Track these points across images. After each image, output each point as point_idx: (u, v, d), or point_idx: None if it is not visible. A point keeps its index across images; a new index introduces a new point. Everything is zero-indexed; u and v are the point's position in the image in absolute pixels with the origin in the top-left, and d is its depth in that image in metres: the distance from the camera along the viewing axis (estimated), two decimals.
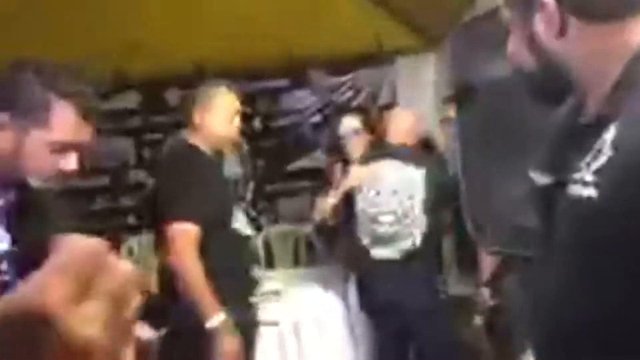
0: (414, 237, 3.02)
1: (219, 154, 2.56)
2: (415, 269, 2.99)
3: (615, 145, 0.80)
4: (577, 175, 0.84)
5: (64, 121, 1.30)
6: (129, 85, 5.29)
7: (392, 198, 3.05)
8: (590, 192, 0.80)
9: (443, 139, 3.69)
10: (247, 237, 2.50)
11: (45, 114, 1.28)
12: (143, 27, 4.28)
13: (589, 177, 0.81)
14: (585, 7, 0.88)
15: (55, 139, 1.29)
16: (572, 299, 0.85)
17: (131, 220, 5.50)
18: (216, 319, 2.16)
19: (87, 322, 0.36)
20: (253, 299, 2.49)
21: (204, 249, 2.21)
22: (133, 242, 4.95)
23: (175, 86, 5.41)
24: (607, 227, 0.79)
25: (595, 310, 0.82)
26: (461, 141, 1.89)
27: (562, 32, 0.89)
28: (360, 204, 3.12)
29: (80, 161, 1.36)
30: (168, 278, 2.24)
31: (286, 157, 5.36)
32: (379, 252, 3.02)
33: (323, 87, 5.37)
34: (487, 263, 2.56)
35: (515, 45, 0.99)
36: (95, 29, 4.17)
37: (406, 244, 3.00)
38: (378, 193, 3.09)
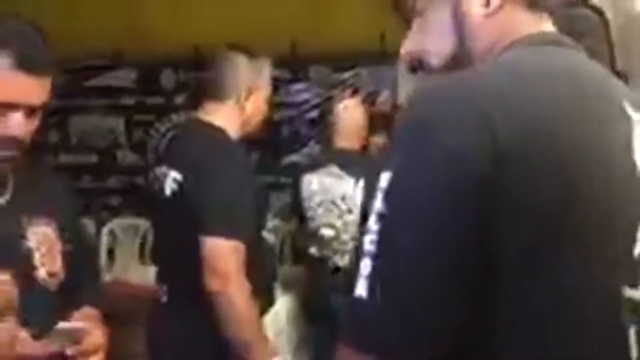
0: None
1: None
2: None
3: None
4: None
5: (6, 79, 1.13)
6: (126, 63, 5.19)
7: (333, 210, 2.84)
8: None
9: None
10: (272, 247, 2.14)
11: None
12: (145, 7, 4.19)
13: None
14: None
15: None
16: None
17: (115, 201, 5.38)
18: None
19: None
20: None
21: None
22: (115, 224, 4.83)
23: (170, 68, 5.29)
24: None
25: None
26: None
27: (496, 11, 0.82)
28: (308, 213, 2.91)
29: (37, 127, 1.19)
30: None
31: (280, 151, 5.25)
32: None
33: (323, 82, 5.26)
34: None
35: (429, 28, 0.88)
36: (98, 6, 4.08)
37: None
38: (319, 204, 2.87)
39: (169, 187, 1.84)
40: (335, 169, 2.88)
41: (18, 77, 1.14)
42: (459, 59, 0.85)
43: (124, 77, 5.35)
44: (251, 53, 1.96)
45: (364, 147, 3.06)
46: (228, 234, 1.72)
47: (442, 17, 0.86)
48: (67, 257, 1.26)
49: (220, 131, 1.87)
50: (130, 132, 5.44)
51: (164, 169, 1.89)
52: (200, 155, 1.83)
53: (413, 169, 0.69)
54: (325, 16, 4.29)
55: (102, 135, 5.43)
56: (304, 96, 5.28)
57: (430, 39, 0.88)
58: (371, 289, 0.67)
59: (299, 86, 5.21)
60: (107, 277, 3.73)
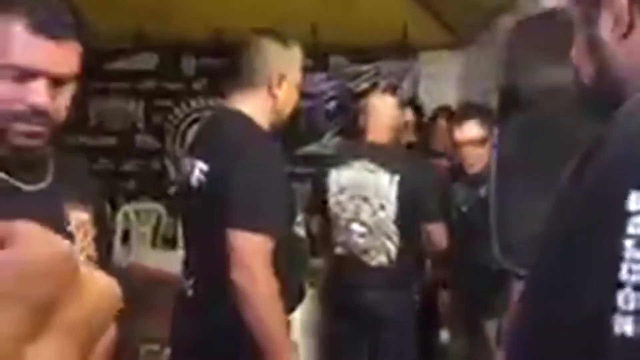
0: (389, 251, 2.75)
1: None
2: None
3: None
4: None
5: (23, 42, 1.05)
6: (148, 46, 5.19)
7: (363, 205, 2.77)
8: None
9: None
10: (302, 242, 1.96)
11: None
12: None
13: None
14: None
15: (13, 62, 1.05)
16: None
17: (131, 185, 5.40)
18: None
19: None
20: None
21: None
22: (130, 208, 4.85)
23: (191, 54, 5.29)
24: None
25: None
26: (499, 153, 1.71)
27: (628, 32, 0.79)
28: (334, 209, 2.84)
29: (71, 104, 1.12)
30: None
31: (296, 141, 5.23)
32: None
33: (342, 73, 5.23)
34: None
35: (576, 50, 0.87)
36: None
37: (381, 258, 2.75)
38: (350, 199, 2.79)
39: (195, 178, 1.78)
40: (368, 163, 2.81)
41: (35, 41, 1.06)
42: (605, 84, 0.84)
43: (145, 61, 5.36)
44: (281, 39, 1.85)
45: (396, 143, 2.99)
46: (255, 227, 1.65)
47: (580, 38, 0.86)
48: (96, 242, 1.25)
49: (249, 120, 1.78)
50: (149, 116, 5.45)
51: (191, 159, 1.82)
52: (227, 145, 1.75)
53: None
54: (347, 6, 4.25)
55: (120, 119, 5.45)
56: (323, 87, 5.26)
57: (577, 56, 0.88)
58: (638, 324, 0.61)
59: (319, 76, 5.19)
60: (121, 261, 3.75)
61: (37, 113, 1.07)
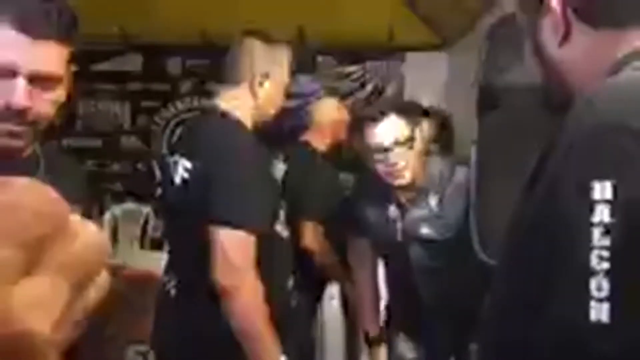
0: None
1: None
2: None
3: None
4: None
5: (4, 41, 1.02)
6: (133, 47, 5.17)
7: None
8: None
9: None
10: (286, 242, 1.93)
11: None
12: None
13: None
14: (593, 11, 0.83)
15: None
16: None
17: (118, 187, 5.39)
18: None
19: (31, 306, 0.26)
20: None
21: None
22: (117, 210, 4.84)
23: (178, 55, 5.29)
24: None
25: None
26: (479, 148, 1.74)
27: (566, 37, 0.85)
28: None
29: (60, 104, 1.10)
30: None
31: (280, 141, 5.24)
32: None
33: (329, 74, 5.24)
34: None
35: (528, 53, 0.93)
36: None
37: None
38: None
39: (179, 175, 1.77)
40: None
41: (14, 40, 1.03)
42: (554, 85, 0.90)
43: (131, 63, 5.34)
44: (268, 38, 1.87)
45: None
46: (235, 224, 1.64)
47: (529, 43, 0.92)
48: None
49: (232, 118, 1.78)
50: (135, 118, 5.44)
51: (175, 157, 1.81)
52: (210, 143, 1.75)
53: None
54: (333, 6, 4.26)
55: (107, 120, 5.43)
56: (309, 88, 5.27)
57: (529, 59, 0.96)
58: (614, 311, 0.63)
59: (304, 78, 5.19)
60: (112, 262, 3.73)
61: (16, 113, 1.04)
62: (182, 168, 1.77)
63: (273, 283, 1.74)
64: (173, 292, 1.81)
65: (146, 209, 5.01)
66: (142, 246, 4.82)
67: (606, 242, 0.64)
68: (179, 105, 5.39)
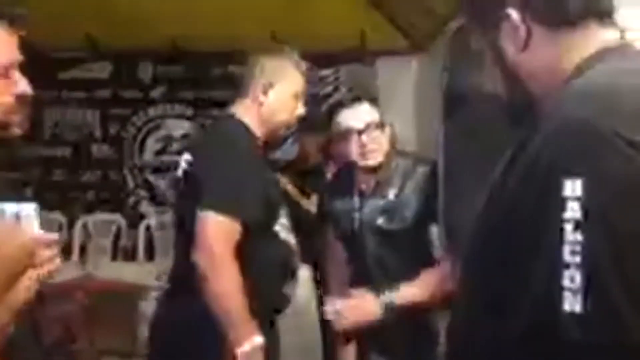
0: None
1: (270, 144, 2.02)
2: None
3: None
4: None
5: (4, 41, 1.12)
6: (102, 54, 5.10)
7: None
8: None
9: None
10: (287, 244, 1.94)
11: None
12: None
13: None
14: (551, 11, 0.85)
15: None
16: None
17: (90, 196, 5.29)
18: (250, 343, 1.69)
19: None
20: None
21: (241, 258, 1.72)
22: (88, 219, 4.75)
23: (148, 61, 5.23)
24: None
25: None
26: (444, 149, 1.80)
27: (526, 43, 0.86)
28: None
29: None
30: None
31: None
32: None
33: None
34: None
35: (487, 61, 0.94)
36: None
37: None
38: None
39: (181, 168, 1.89)
40: None
41: (6, 36, 1.13)
42: (514, 92, 0.92)
43: (100, 70, 5.27)
44: (274, 49, 2.00)
45: None
46: (218, 208, 1.70)
47: (487, 51, 0.95)
48: None
49: (238, 120, 1.89)
50: (105, 125, 5.36)
51: (183, 154, 1.93)
52: (210, 136, 1.95)
53: (611, 175, 0.69)
54: (305, 11, 4.26)
55: (76, 129, 5.34)
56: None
57: (488, 67, 0.97)
58: (586, 301, 0.67)
59: None
60: (79, 273, 3.66)
61: (24, 101, 1.12)
62: (184, 162, 1.88)
63: (266, 284, 1.79)
64: (169, 285, 1.91)
65: (119, 219, 4.93)
66: (114, 257, 4.74)
67: (578, 236, 0.68)
68: (151, 112, 5.32)
